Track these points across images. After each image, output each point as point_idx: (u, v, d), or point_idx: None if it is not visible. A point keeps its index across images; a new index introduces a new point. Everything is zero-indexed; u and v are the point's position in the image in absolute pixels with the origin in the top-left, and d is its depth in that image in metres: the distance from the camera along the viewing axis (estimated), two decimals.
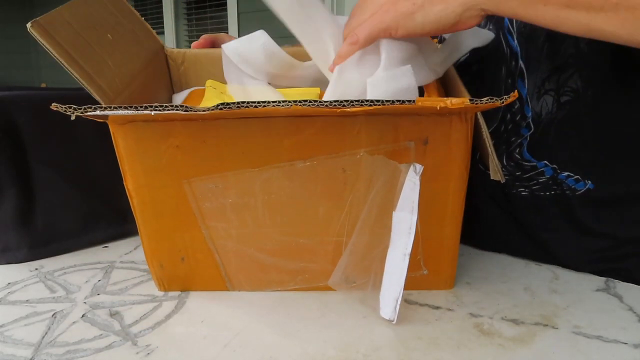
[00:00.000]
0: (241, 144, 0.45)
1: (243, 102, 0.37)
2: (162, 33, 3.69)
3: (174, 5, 3.68)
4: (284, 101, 0.37)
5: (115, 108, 0.38)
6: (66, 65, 0.43)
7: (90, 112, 0.38)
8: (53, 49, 0.42)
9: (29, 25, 0.41)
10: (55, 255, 0.60)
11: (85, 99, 0.42)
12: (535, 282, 0.51)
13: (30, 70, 5.06)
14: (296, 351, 0.40)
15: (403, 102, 0.37)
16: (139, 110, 0.37)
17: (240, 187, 0.46)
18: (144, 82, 0.55)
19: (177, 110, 0.37)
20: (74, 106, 0.38)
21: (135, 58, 0.55)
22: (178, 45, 3.66)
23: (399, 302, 0.43)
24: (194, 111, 0.37)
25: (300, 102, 0.37)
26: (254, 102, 0.37)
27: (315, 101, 0.37)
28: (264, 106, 0.37)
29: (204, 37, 0.69)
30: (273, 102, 0.37)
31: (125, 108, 0.37)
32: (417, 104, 0.37)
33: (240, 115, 0.38)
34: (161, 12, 3.71)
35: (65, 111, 0.38)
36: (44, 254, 0.60)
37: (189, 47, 0.68)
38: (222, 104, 0.37)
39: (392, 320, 0.43)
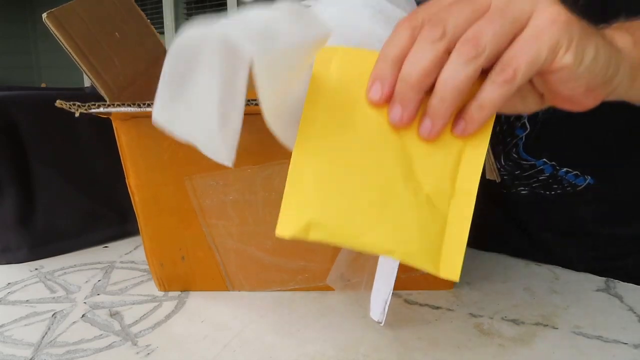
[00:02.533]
0: (242, 140, 0.45)
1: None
2: (162, 33, 3.69)
3: (174, 5, 3.68)
4: None
5: (119, 105, 0.38)
6: (75, 58, 0.44)
7: (94, 109, 0.38)
8: (65, 41, 0.43)
9: (44, 15, 0.42)
10: (55, 255, 0.60)
11: (85, 99, 0.42)
12: (535, 282, 0.51)
13: (30, 70, 5.06)
14: (296, 351, 0.40)
15: None
16: (141, 107, 0.38)
17: (241, 184, 0.46)
18: (146, 83, 0.55)
19: None
20: (78, 103, 0.38)
21: (139, 58, 0.55)
22: None
23: (387, 305, 0.42)
24: None
25: None
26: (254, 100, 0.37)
27: None
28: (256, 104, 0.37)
29: None
30: None
31: (128, 105, 0.38)
32: None
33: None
34: (161, 12, 3.71)
35: (70, 108, 0.38)
36: (44, 254, 0.60)
37: None
38: None
39: (380, 323, 0.43)
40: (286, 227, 0.31)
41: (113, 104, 0.38)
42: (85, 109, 0.38)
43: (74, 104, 0.38)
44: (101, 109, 0.38)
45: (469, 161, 0.31)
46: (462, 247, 0.30)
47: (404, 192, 0.30)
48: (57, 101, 0.38)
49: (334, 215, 0.30)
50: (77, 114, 0.38)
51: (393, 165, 0.31)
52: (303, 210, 0.31)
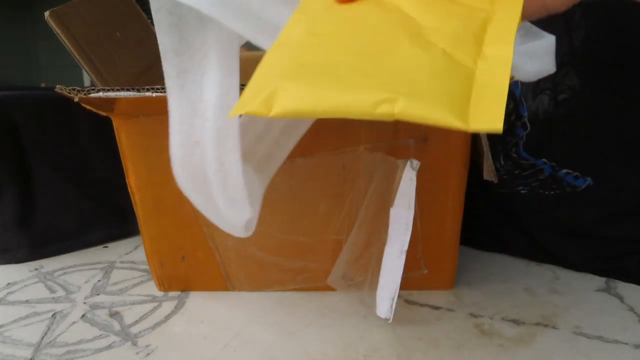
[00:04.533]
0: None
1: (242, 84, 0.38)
2: None
3: None
4: None
5: (118, 90, 0.38)
6: (77, 57, 0.44)
7: (93, 94, 0.38)
8: (67, 40, 0.43)
9: (47, 14, 0.42)
10: (55, 255, 0.60)
11: None
12: (535, 282, 0.51)
13: (30, 70, 5.06)
14: (296, 351, 0.40)
15: None
16: (140, 92, 0.38)
17: None
18: (147, 82, 0.55)
19: None
20: (78, 88, 0.38)
21: (140, 59, 0.56)
22: None
23: (395, 301, 0.42)
24: None
25: None
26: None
27: None
28: None
29: None
30: None
31: (127, 90, 0.38)
32: None
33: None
34: None
35: (69, 93, 0.38)
36: (44, 254, 0.60)
37: None
38: None
39: (388, 319, 0.43)
40: (245, 103, 0.23)
41: (112, 89, 0.38)
42: (85, 94, 0.38)
43: (74, 89, 0.38)
44: (100, 94, 0.38)
45: (499, 27, 0.25)
46: (503, 94, 0.22)
47: (409, 47, 0.24)
48: (57, 87, 0.38)
49: (309, 75, 0.23)
50: (76, 99, 0.38)
51: (396, 28, 0.25)
52: (271, 79, 0.23)
